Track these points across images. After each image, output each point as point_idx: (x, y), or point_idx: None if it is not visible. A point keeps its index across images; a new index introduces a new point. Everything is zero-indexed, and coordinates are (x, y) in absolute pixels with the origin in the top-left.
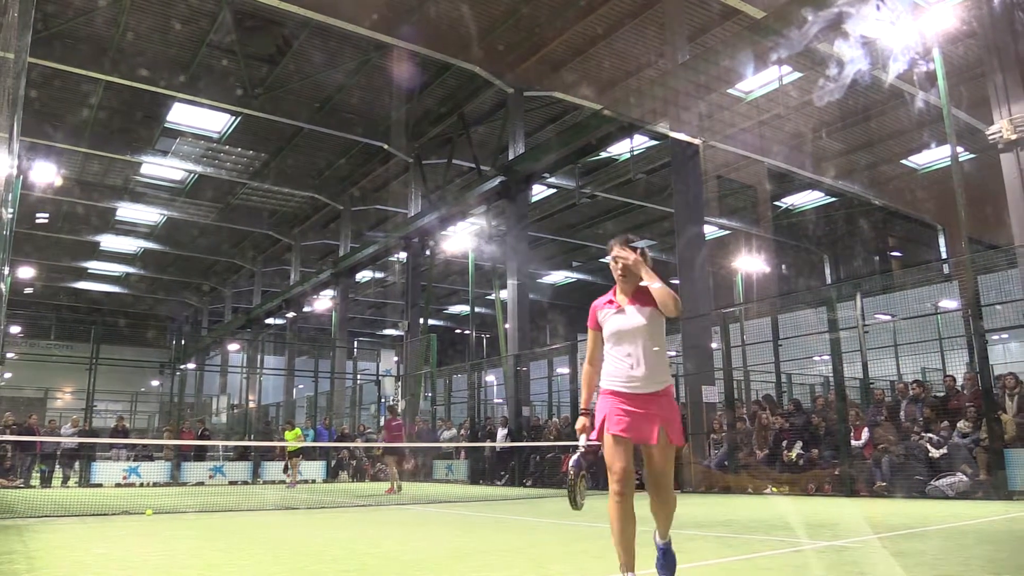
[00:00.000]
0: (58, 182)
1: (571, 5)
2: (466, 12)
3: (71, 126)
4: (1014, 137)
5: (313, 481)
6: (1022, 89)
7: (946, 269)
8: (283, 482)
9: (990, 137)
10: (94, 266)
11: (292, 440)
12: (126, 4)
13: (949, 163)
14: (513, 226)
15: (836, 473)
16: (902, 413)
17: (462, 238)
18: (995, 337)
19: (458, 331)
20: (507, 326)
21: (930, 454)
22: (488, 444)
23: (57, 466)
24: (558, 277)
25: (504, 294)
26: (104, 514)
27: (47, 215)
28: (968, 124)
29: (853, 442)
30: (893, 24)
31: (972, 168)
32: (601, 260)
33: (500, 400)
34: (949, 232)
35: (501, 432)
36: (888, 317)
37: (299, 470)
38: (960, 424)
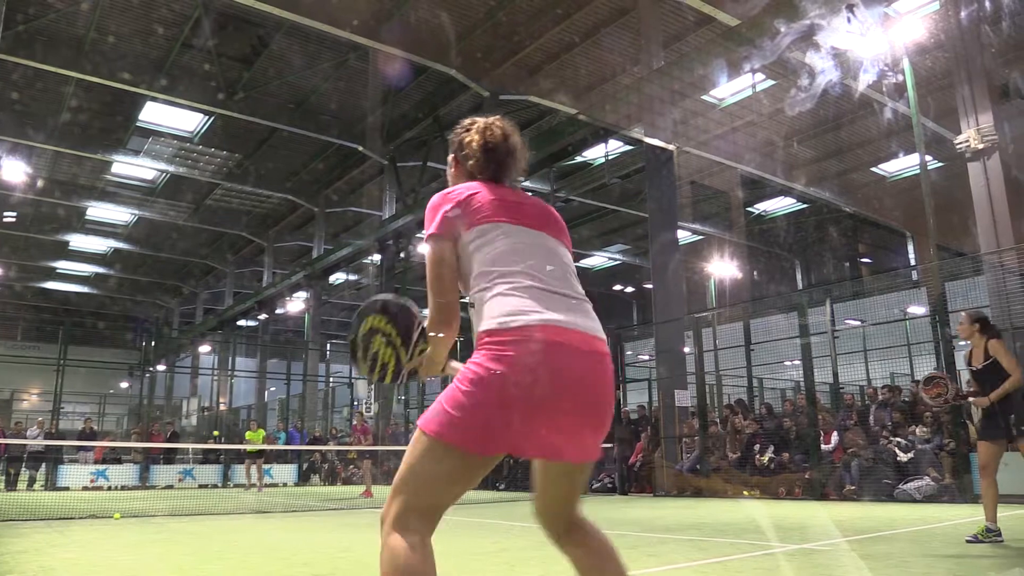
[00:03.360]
0: (29, 181)
1: (547, 11)
2: (444, 17)
3: (41, 124)
4: (981, 146)
5: (284, 484)
6: (989, 100)
7: (914, 275)
8: (253, 486)
9: (958, 146)
10: (63, 266)
11: (254, 440)
12: (100, 3)
13: (918, 171)
14: None
15: (806, 477)
16: (871, 418)
17: None
18: (962, 343)
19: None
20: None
21: (898, 458)
22: None
23: (23, 469)
24: None
25: None
26: (71, 518)
27: (15, 214)
28: (936, 133)
29: (823, 446)
30: (864, 35)
31: (940, 176)
32: (575, 264)
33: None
34: (917, 239)
35: None
36: (858, 322)
37: (262, 472)
38: (918, 430)
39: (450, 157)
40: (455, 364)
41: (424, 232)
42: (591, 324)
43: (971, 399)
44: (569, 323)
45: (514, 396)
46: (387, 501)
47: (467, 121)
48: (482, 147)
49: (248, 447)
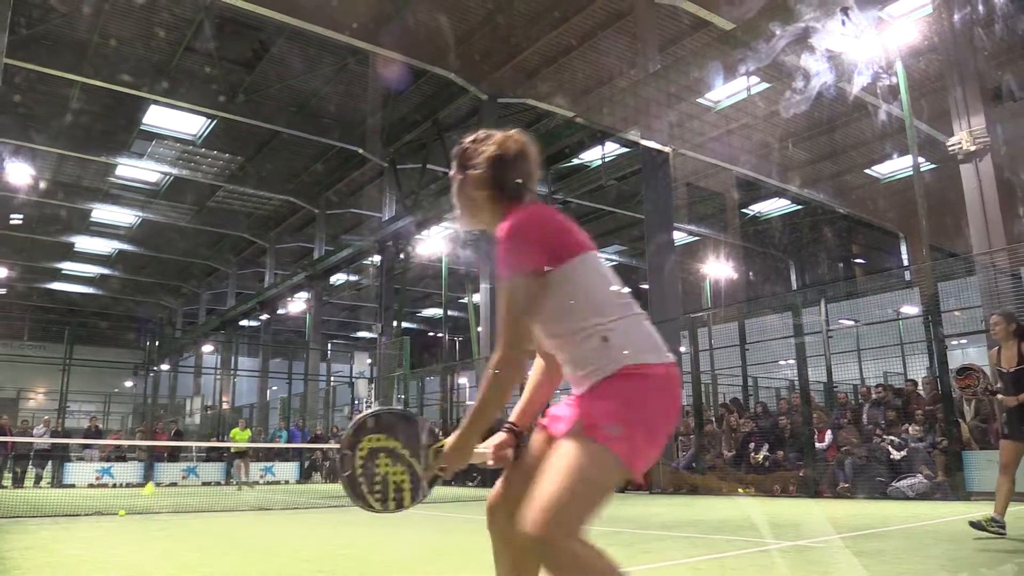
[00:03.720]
0: (35, 183)
1: (545, 15)
2: (443, 21)
3: (47, 127)
4: (973, 148)
5: (287, 482)
6: (981, 102)
7: (907, 276)
8: (247, 483)
9: (950, 148)
10: (68, 267)
11: (241, 440)
12: (103, 7)
13: (911, 173)
14: (485, 231)
15: (801, 474)
16: (864, 416)
17: (436, 242)
18: (954, 342)
19: (431, 334)
20: (480, 329)
21: (891, 456)
22: None
23: (30, 466)
24: None
25: (477, 298)
26: (76, 515)
27: (22, 216)
28: (929, 136)
29: (817, 444)
30: (858, 38)
31: (933, 178)
32: None
33: (473, 402)
34: (910, 240)
35: None
36: (851, 322)
37: (248, 470)
38: (911, 429)
39: (470, 173)
40: (480, 449)
41: (509, 264)
42: None
43: (999, 396)
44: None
45: (671, 423)
46: (542, 508)
47: (481, 135)
48: (516, 161)
49: (233, 446)
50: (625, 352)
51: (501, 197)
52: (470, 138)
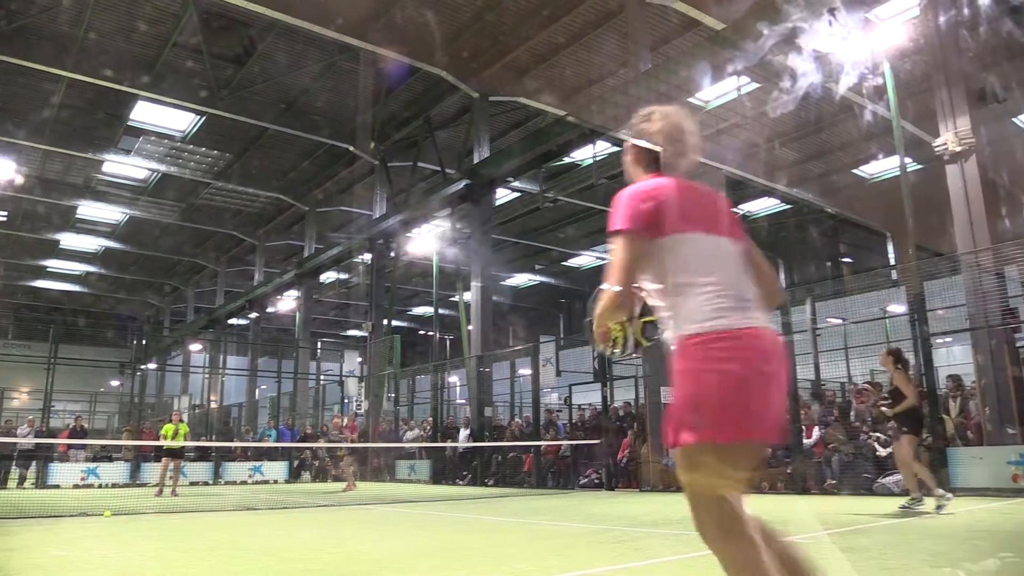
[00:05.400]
0: (19, 179)
1: (536, 13)
2: (432, 18)
3: (31, 123)
4: (959, 149)
5: (275, 481)
6: (967, 103)
7: (894, 275)
8: (166, 487)
9: (936, 149)
10: (54, 265)
11: (171, 436)
12: (90, 1)
13: (897, 173)
14: (477, 229)
15: (788, 471)
16: (852, 413)
17: (426, 240)
18: (939, 341)
19: (421, 332)
20: (470, 328)
21: (877, 453)
22: (450, 444)
23: (13, 467)
24: (521, 280)
25: (467, 296)
26: (61, 516)
27: (6, 213)
28: (915, 136)
29: (804, 441)
30: (845, 39)
31: (919, 178)
32: (564, 264)
33: (463, 401)
34: (897, 239)
35: (463, 432)
36: (839, 321)
37: (178, 473)
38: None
39: (630, 146)
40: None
41: (614, 224)
42: (768, 322)
43: (883, 407)
44: (760, 322)
45: (750, 387)
46: (695, 520)
47: (646, 110)
48: (666, 137)
49: (167, 444)
50: (687, 324)
51: (640, 168)
52: (644, 111)
